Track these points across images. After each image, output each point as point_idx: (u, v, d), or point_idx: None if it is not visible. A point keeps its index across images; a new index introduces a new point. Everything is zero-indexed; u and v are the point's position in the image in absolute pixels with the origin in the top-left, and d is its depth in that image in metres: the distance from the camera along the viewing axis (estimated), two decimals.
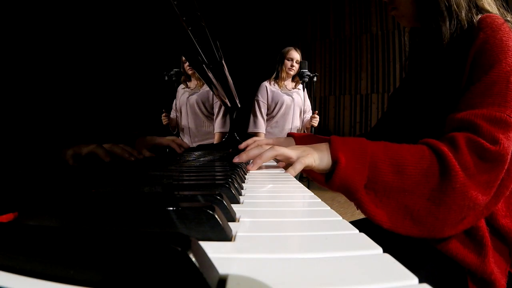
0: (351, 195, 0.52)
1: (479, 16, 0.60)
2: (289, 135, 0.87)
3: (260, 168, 0.71)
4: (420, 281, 0.15)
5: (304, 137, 0.83)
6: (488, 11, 0.63)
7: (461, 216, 0.50)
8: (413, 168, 0.50)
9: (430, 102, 0.64)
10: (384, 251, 0.19)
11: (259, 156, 0.62)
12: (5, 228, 0.16)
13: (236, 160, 0.67)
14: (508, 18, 0.60)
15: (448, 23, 0.61)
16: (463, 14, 0.61)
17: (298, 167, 0.55)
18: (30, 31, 0.45)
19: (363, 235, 0.23)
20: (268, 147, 0.63)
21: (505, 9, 0.65)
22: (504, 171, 0.51)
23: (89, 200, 0.29)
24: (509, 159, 0.51)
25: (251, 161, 0.68)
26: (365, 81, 4.51)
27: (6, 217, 0.23)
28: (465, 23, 0.61)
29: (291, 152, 0.57)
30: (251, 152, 0.65)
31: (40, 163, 0.45)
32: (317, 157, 0.55)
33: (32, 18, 0.45)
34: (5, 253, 0.15)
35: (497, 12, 0.64)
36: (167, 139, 0.94)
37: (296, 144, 0.81)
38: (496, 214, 0.56)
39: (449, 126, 0.55)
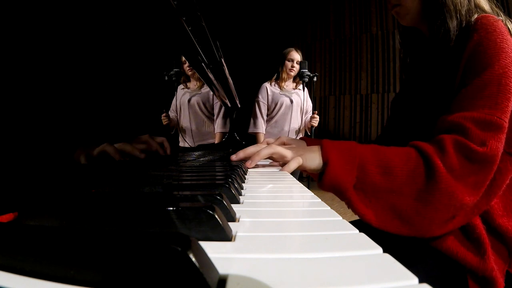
0: (342, 195, 0.53)
1: (475, 16, 0.60)
2: (302, 139, 0.87)
3: (257, 166, 0.72)
4: (420, 281, 0.15)
5: (317, 142, 0.84)
6: (483, 9, 0.62)
7: (448, 215, 0.51)
8: (400, 170, 0.51)
9: (429, 105, 0.64)
10: (384, 251, 0.19)
11: (256, 153, 0.64)
12: (5, 228, 0.16)
13: (233, 157, 0.68)
14: (501, 18, 0.60)
15: (455, 20, 0.61)
16: (464, 12, 0.61)
17: (292, 165, 0.58)
18: (30, 32, 0.45)
19: (363, 235, 0.23)
20: (265, 145, 0.64)
21: (499, 8, 0.65)
22: (493, 172, 0.52)
23: (89, 200, 0.29)
24: (499, 160, 0.51)
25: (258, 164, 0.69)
26: (365, 81, 4.51)
27: (6, 217, 0.23)
28: (464, 22, 0.61)
29: (286, 151, 0.60)
30: (249, 150, 0.67)
31: (40, 163, 0.45)
32: (309, 157, 0.57)
33: (32, 18, 0.46)
34: (5, 253, 0.15)
35: (490, 11, 0.63)
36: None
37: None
38: (493, 214, 0.56)
39: (440, 128, 0.56)
